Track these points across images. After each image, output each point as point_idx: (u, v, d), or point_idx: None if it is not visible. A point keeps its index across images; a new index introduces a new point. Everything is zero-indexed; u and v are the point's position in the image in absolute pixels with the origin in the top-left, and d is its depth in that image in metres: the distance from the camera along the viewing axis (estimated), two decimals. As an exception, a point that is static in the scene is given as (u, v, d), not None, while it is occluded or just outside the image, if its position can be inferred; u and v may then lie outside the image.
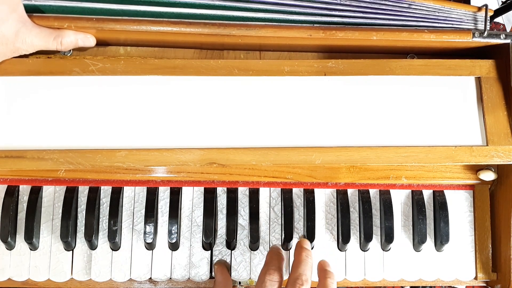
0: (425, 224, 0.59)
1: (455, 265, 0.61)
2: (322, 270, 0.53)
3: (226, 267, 0.58)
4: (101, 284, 0.58)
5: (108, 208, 0.58)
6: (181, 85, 0.55)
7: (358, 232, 0.60)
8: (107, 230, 0.57)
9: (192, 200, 0.60)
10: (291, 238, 0.59)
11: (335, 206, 0.61)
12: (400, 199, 0.61)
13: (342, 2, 0.57)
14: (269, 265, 0.52)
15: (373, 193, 0.61)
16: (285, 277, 0.56)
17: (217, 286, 0.55)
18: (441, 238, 0.59)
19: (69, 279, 0.58)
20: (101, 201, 0.59)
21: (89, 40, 0.55)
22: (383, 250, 0.60)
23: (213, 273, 0.59)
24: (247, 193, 0.60)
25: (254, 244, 0.59)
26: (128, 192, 0.59)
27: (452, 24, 0.58)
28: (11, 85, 0.54)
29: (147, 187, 0.59)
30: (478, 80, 0.58)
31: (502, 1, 0.79)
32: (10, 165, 0.52)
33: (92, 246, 0.58)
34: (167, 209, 0.59)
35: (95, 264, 0.58)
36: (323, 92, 0.56)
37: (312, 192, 0.60)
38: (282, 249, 0.59)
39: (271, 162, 0.54)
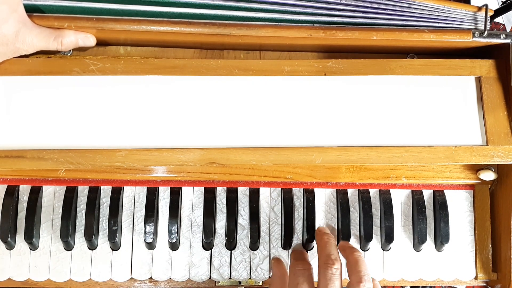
0: (425, 224, 0.59)
1: (455, 265, 0.61)
2: (345, 248, 0.55)
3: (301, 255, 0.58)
4: (101, 284, 0.58)
5: (108, 208, 0.58)
6: (181, 85, 0.55)
7: (358, 232, 0.60)
8: (107, 230, 0.57)
9: (192, 200, 0.60)
10: (291, 238, 0.59)
11: (335, 206, 0.61)
12: (400, 199, 0.61)
13: (342, 2, 0.57)
14: (294, 259, 0.54)
15: (373, 193, 0.61)
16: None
17: (273, 278, 0.56)
18: (441, 238, 0.59)
19: (69, 279, 0.58)
20: (101, 201, 0.59)
21: (89, 40, 0.55)
22: (383, 250, 0.60)
23: (212, 274, 0.59)
24: (247, 193, 0.60)
25: (254, 244, 0.59)
26: (128, 192, 0.59)
27: (453, 24, 0.58)
28: (11, 85, 0.54)
29: (147, 187, 0.59)
30: (478, 80, 0.58)
31: (502, 1, 0.79)
32: (10, 165, 0.52)
33: (92, 246, 0.58)
34: (167, 209, 0.59)
35: (95, 264, 0.58)
36: (323, 92, 0.56)
37: (312, 192, 0.60)
38: (283, 248, 0.59)
39: (271, 162, 0.54)
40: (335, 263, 0.50)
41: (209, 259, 0.59)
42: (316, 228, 0.58)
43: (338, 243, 0.60)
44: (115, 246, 0.58)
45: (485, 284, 0.62)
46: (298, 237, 0.60)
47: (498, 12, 0.63)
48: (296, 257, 0.54)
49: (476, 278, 0.61)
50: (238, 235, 0.59)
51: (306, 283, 0.50)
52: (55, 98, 0.54)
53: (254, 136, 0.55)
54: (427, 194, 0.62)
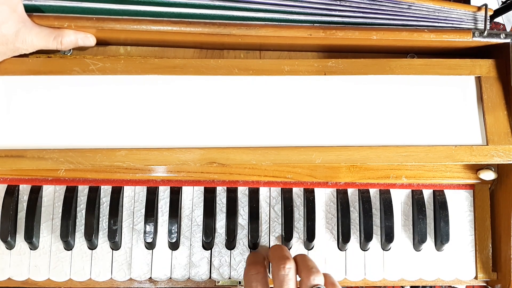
0: (425, 223, 0.59)
1: (455, 265, 0.61)
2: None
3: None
4: (101, 284, 0.58)
5: (108, 207, 0.58)
6: (181, 84, 0.55)
7: (358, 232, 0.60)
8: (107, 229, 0.57)
9: (192, 200, 0.60)
10: (291, 238, 0.59)
11: (335, 206, 0.61)
12: (400, 199, 0.61)
13: (341, 3, 0.57)
14: (249, 262, 0.53)
15: (373, 192, 0.61)
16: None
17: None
18: (441, 238, 0.59)
19: (69, 279, 0.58)
20: (101, 201, 0.59)
21: (89, 40, 0.55)
22: (383, 249, 0.60)
23: (212, 273, 0.59)
24: (247, 193, 0.60)
25: (254, 243, 0.59)
26: (128, 192, 0.59)
27: (452, 24, 0.58)
28: (11, 84, 0.54)
29: (147, 187, 0.59)
30: (478, 80, 0.58)
31: (502, 1, 0.79)
32: (10, 165, 0.52)
33: (92, 246, 0.58)
34: (167, 208, 0.59)
35: (95, 264, 0.58)
36: (323, 92, 0.56)
37: (312, 191, 0.60)
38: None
39: (271, 161, 0.54)
40: (287, 262, 0.49)
41: (209, 259, 0.59)
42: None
43: (338, 243, 0.60)
44: (115, 246, 0.58)
45: (485, 284, 0.62)
46: (298, 237, 0.60)
47: (498, 12, 0.63)
48: (250, 261, 0.53)
49: (476, 278, 0.61)
50: (238, 235, 0.59)
51: (260, 285, 0.49)
52: (55, 98, 0.54)
53: (254, 136, 0.55)
54: (427, 193, 0.62)
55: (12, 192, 0.57)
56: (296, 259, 0.52)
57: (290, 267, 0.49)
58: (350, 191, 0.61)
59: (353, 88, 0.57)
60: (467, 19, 0.58)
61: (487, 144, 0.55)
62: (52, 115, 0.54)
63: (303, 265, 0.50)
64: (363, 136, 0.55)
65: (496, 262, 0.61)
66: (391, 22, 0.57)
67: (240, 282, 0.59)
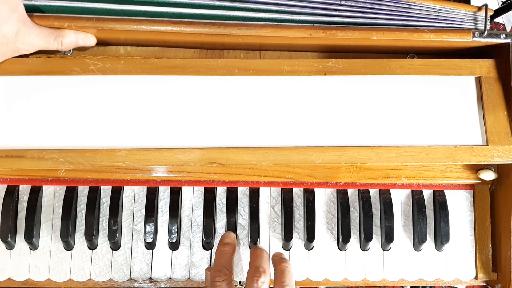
0: (425, 223, 0.59)
1: (455, 265, 0.61)
2: (275, 259, 0.55)
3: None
4: (101, 284, 0.58)
5: (108, 207, 0.58)
6: (181, 84, 0.55)
7: (358, 232, 0.60)
8: (107, 229, 0.57)
9: (192, 200, 0.60)
10: (291, 238, 0.59)
11: (335, 206, 0.61)
12: (400, 199, 0.61)
13: (341, 3, 0.57)
14: (216, 267, 0.52)
15: (373, 192, 0.61)
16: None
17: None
18: (441, 238, 0.59)
19: (69, 279, 0.58)
20: (101, 201, 0.59)
21: (89, 40, 0.55)
22: (383, 249, 0.60)
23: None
24: (247, 193, 0.60)
25: (254, 244, 0.59)
26: (128, 192, 0.59)
27: (452, 24, 0.58)
28: (11, 84, 0.54)
29: (147, 187, 0.59)
30: (478, 80, 0.58)
31: (502, 1, 0.79)
32: (10, 165, 0.52)
33: (92, 246, 0.58)
34: (167, 208, 0.59)
35: (95, 264, 0.58)
36: (323, 92, 0.56)
37: (312, 191, 0.60)
38: (284, 249, 0.59)
39: (271, 161, 0.54)
40: (262, 275, 0.50)
41: (209, 259, 0.59)
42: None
43: (338, 243, 0.60)
44: (115, 246, 0.58)
45: (485, 284, 0.62)
46: (298, 237, 0.60)
47: (498, 12, 0.63)
48: (216, 267, 0.52)
49: (476, 278, 0.61)
50: (238, 235, 0.59)
51: None
52: (55, 98, 0.54)
53: (254, 136, 0.55)
54: (427, 194, 0.62)
55: (12, 192, 0.57)
56: (276, 267, 0.53)
57: (263, 280, 0.50)
58: (350, 191, 0.61)
59: (353, 88, 0.57)
60: (467, 19, 0.58)
61: (487, 144, 0.55)
62: (52, 115, 0.54)
63: (279, 279, 0.51)
64: (363, 136, 0.55)
65: (496, 262, 0.61)
66: (391, 22, 0.58)
67: (240, 282, 0.59)
